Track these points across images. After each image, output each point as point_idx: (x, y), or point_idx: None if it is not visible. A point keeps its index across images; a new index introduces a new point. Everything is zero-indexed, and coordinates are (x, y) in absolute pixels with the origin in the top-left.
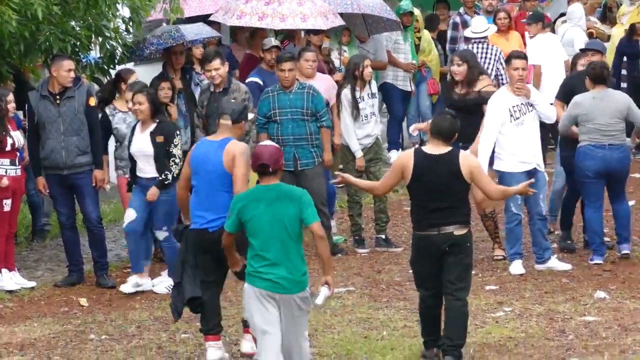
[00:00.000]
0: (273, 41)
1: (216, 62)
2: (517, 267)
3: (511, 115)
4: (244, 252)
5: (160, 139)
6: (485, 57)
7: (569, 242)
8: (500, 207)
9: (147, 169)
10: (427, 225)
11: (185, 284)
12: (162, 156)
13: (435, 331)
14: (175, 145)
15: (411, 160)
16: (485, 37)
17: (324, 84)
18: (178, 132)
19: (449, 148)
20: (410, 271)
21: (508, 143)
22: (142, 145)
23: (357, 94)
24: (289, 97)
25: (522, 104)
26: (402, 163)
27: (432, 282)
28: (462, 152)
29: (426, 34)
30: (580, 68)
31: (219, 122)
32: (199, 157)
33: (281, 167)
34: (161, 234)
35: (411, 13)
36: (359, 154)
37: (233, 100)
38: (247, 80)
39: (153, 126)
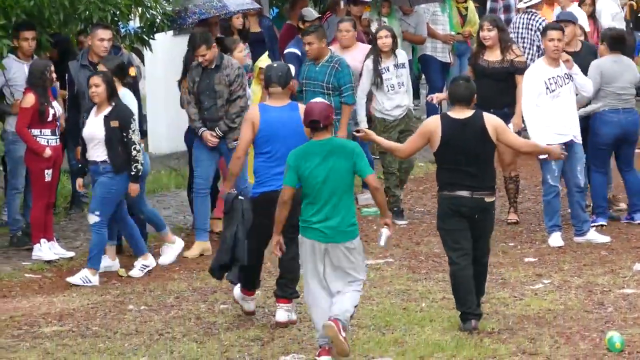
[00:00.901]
0: (314, 13)
1: (202, 49)
2: (555, 239)
3: (547, 88)
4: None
5: (114, 123)
6: (532, 28)
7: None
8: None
9: (96, 152)
10: (459, 187)
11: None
12: (115, 141)
13: (470, 300)
14: (133, 131)
15: (439, 125)
16: (534, 7)
17: (362, 54)
18: (134, 117)
19: (473, 111)
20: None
21: (544, 115)
22: (94, 129)
23: (381, 64)
24: (315, 70)
25: (558, 76)
26: (430, 129)
27: (462, 241)
28: (485, 113)
29: (471, 5)
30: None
31: (268, 91)
32: (272, 123)
33: (331, 122)
34: (92, 218)
35: None
36: (363, 124)
37: (229, 74)
38: (285, 51)
39: (108, 110)
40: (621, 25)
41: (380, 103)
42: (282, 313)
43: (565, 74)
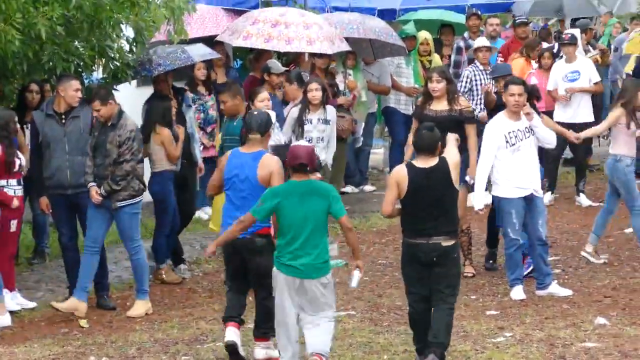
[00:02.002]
0: (280, 65)
1: (95, 104)
2: (517, 292)
3: (507, 142)
4: None
5: None
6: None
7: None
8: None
9: None
10: (417, 234)
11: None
12: None
13: (426, 338)
14: None
15: (405, 175)
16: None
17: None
18: None
19: (437, 159)
20: None
21: (504, 168)
22: None
23: (307, 116)
24: (233, 125)
25: (518, 129)
26: (397, 179)
27: (420, 286)
28: (448, 159)
29: (437, 58)
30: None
31: (248, 137)
32: (233, 167)
33: (315, 166)
34: None
35: (414, 37)
36: None
37: (121, 134)
38: None
39: None
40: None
41: None
42: (260, 351)
43: (526, 127)
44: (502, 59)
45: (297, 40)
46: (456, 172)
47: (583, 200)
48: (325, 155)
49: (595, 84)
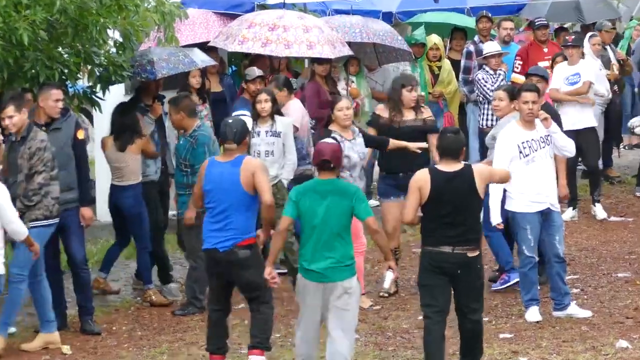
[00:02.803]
0: (257, 71)
1: (10, 109)
2: (533, 314)
3: (520, 152)
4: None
5: None
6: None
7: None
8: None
9: None
10: (440, 242)
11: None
12: None
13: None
14: None
15: (428, 179)
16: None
17: (294, 113)
18: None
19: (462, 164)
20: (420, 317)
21: (518, 181)
22: None
23: (255, 128)
24: (179, 143)
25: (532, 139)
26: (420, 183)
27: (440, 297)
28: (474, 166)
29: (447, 64)
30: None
31: (224, 147)
32: (214, 177)
33: (340, 164)
34: None
35: (423, 44)
36: None
37: (31, 146)
38: (235, 114)
39: None
40: (603, 85)
41: None
42: None
43: (541, 137)
44: (521, 64)
45: (296, 45)
46: (482, 182)
47: (599, 211)
48: (278, 170)
49: (584, 83)
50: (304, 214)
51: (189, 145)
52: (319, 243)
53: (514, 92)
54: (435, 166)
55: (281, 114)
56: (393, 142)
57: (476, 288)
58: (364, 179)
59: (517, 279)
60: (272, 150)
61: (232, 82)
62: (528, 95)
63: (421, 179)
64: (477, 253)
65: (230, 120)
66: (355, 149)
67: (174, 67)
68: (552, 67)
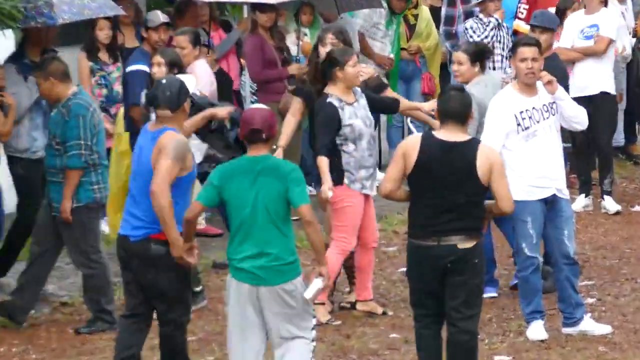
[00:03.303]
0: (161, 16)
1: None
2: (536, 330)
3: (519, 125)
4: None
5: None
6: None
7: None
8: None
9: None
10: (424, 233)
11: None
12: None
13: None
14: None
15: (417, 146)
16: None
17: (201, 72)
18: None
19: (467, 136)
20: (392, 335)
21: (516, 161)
22: None
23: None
24: (51, 117)
25: (534, 108)
26: (405, 148)
27: (430, 300)
28: (484, 144)
29: (425, 12)
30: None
31: (156, 114)
32: (137, 150)
33: (274, 134)
34: None
35: None
36: None
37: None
38: (127, 69)
39: None
40: (624, 40)
41: None
42: None
43: (545, 105)
44: (527, 8)
45: None
46: (487, 164)
47: (609, 204)
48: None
49: (600, 39)
50: (230, 201)
51: (60, 117)
52: (249, 236)
53: (477, 52)
54: (432, 132)
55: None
56: (404, 103)
57: (470, 288)
58: (375, 153)
59: (493, 293)
60: None
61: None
62: (526, 51)
63: (408, 144)
64: (471, 244)
65: (163, 81)
66: (358, 114)
67: (78, 13)
68: (558, 14)
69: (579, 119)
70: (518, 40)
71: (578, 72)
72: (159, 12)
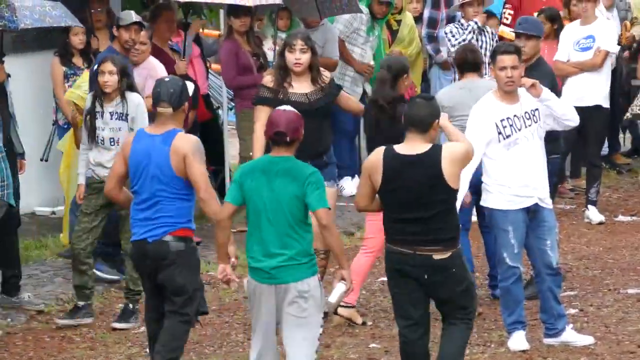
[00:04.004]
0: (133, 16)
1: None
2: (518, 340)
3: (499, 133)
4: None
5: None
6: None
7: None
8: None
9: None
10: (400, 241)
11: None
12: None
13: None
14: None
15: (380, 161)
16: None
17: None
18: None
19: (428, 145)
20: (372, 345)
21: (497, 170)
22: None
23: (101, 107)
24: None
25: (515, 116)
26: (370, 167)
27: (411, 308)
28: (446, 146)
29: (408, 18)
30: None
31: (156, 112)
32: (140, 156)
33: (299, 138)
34: None
35: (389, 3)
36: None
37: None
38: (96, 68)
39: None
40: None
41: (92, 153)
42: None
43: (527, 112)
44: (512, 14)
45: None
46: (454, 166)
47: (593, 214)
48: None
49: (599, 52)
50: (248, 198)
51: None
52: (265, 236)
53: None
54: (393, 147)
55: (134, 90)
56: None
57: (458, 293)
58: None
59: None
60: (118, 139)
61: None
62: (506, 59)
63: (373, 163)
64: (447, 255)
65: (166, 79)
66: None
67: (39, 19)
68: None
69: (569, 116)
70: (497, 47)
71: (574, 82)
72: (132, 12)
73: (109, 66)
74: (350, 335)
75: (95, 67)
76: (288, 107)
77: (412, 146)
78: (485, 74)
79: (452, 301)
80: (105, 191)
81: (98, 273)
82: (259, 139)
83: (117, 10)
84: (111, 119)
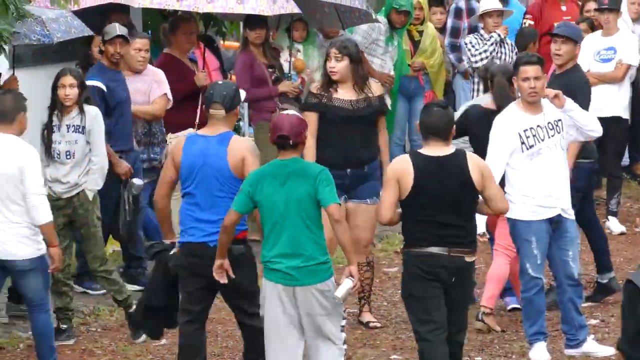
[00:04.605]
0: (118, 28)
1: None
2: (539, 351)
3: (523, 143)
4: None
5: None
6: (490, 49)
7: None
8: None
9: None
10: (433, 242)
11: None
12: None
13: None
14: None
15: (409, 165)
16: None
17: (147, 80)
18: None
19: (452, 148)
20: (392, 357)
21: (520, 181)
22: None
23: (59, 120)
24: None
25: (538, 126)
26: (398, 171)
27: (436, 311)
28: (469, 152)
29: (430, 29)
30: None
31: (209, 114)
32: (194, 157)
33: (303, 141)
34: None
35: (408, 12)
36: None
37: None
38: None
39: None
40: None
41: (48, 169)
42: None
43: (550, 122)
44: (532, 23)
45: None
46: (479, 172)
47: (613, 225)
48: (80, 177)
49: (621, 65)
50: (262, 205)
51: None
52: (282, 237)
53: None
54: (419, 150)
55: (90, 103)
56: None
57: (467, 301)
58: None
59: (515, 304)
60: (74, 152)
61: None
62: (529, 70)
63: (400, 167)
64: (474, 258)
65: (220, 82)
66: None
67: (66, 31)
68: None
69: (593, 127)
70: (519, 58)
71: (593, 92)
72: (116, 25)
73: (69, 79)
74: (371, 347)
75: (53, 80)
76: (291, 111)
77: (436, 150)
78: None
79: (461, 309)
80: (155, 198)
81: (89, 292)
82: (309, 148)
83: (137, 22)
84: (68, 131)
